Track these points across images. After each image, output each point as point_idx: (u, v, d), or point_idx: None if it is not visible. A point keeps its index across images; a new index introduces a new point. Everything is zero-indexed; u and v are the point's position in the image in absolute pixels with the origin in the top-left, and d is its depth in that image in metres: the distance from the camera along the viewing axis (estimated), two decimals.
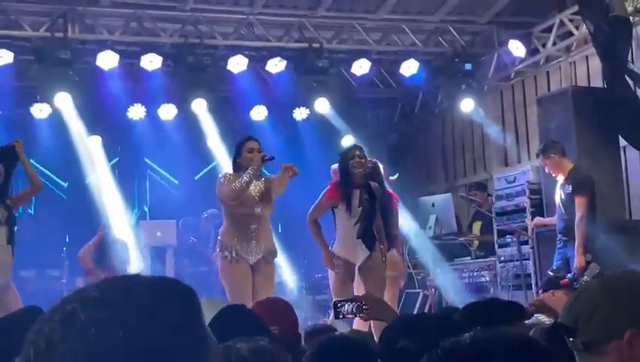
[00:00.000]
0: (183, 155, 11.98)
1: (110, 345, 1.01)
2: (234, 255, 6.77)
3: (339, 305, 3.64)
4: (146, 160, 12.68)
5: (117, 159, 12.29)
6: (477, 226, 10.56)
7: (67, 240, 10.95)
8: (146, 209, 12.67)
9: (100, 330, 1.02)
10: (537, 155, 8.31)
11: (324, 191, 7.10)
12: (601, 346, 1.67)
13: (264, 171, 7.30)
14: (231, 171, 7.03)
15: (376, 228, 7.07)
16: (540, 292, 6.97)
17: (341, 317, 3.67)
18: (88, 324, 1.02)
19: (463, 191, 11.01)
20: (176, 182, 12.73)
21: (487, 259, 9.93)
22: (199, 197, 11.23)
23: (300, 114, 11.63)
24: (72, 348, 1.01)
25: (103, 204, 11.07)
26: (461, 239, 10.32)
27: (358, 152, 7.09)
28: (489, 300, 3.13)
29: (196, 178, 12.74)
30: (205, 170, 12.56)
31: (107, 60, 9.82)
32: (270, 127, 11.49)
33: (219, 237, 7.04)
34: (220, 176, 7.06)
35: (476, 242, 10.32)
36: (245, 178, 6.68)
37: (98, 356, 1.01)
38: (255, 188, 6.85)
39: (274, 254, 7.02)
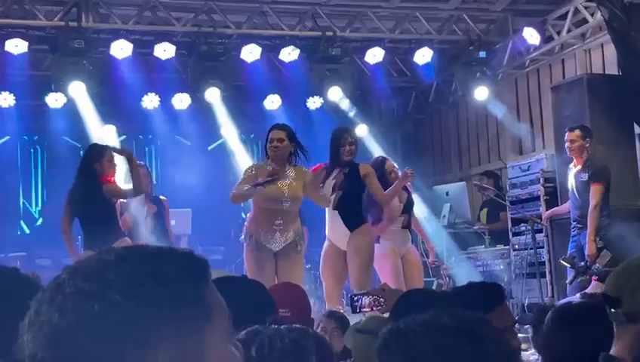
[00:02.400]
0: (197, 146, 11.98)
1: (84, 318, 0.98)
2: (255, 244, 6.74)
3: (355, 298, 3.64)
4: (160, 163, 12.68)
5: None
6: (484, 214, 10.57)
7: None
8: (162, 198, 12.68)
9: (77, 302, 0.99)
10: (572, 129, 8.11)
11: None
12: None
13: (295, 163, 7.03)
14: (259, 162, 6.96)
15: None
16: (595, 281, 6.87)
17: (358, 311, 3.68)
18: (69, 295, 1.00)
19: (477, 180, 10.99)
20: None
21: (502, 248, 9.93)
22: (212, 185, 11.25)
23: (314, 103, 11.63)
24: (50, 318, 0.99)
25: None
26: (475, 227, 10.32)
27: (349, 138, 7.11)
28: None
29: (210, 148, 12.69)
30: (217, 143, 12.52)
31: (121, 49, 9.84)
32: (283, 116, 11.47)
33: (245, 223, 7.05)
34: (247, 167, 7.08)
35: (484, 217, 10.41)
36: (248, 191, 6.61)
37: (72, 328, 0.98)
38: (284, 181, 6.72)
39: (300, 243, 6.95)
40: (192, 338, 1.02)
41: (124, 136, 11.97)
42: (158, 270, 1.03)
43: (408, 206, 7.83)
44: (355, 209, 7.10)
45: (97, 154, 6.94)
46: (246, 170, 6.98)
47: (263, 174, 6.63)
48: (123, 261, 1.04)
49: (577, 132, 8.02)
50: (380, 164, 7.67)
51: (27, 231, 12.24)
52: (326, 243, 7.26)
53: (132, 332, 0.99)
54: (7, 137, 12.00)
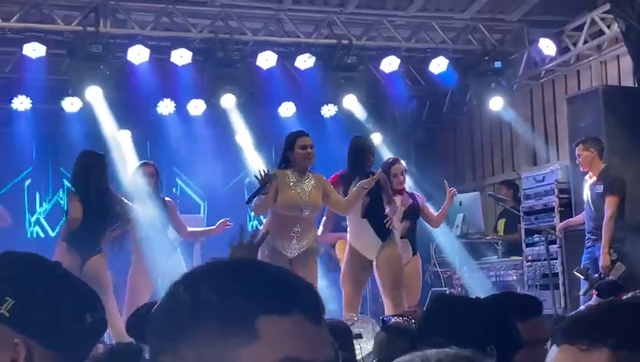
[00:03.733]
0: (211, 153, 11.98)
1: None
2: (271, 250, 6.71)
3: (386, 319, 3.65)
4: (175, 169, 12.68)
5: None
6: (501, 224, 10.53)
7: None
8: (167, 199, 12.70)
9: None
10: (576, 144, 8.20)
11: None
12: None
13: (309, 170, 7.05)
14: (281, 168, 6.84)
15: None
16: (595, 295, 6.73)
17: None
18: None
19: (491, 190, 10.97)
20: (202, 204, 12.73)
21: (515, 258, 9.90)
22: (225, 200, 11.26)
23: (328, 110, 11.64)
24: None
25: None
26: (488, 238, 10.30)
27: (373, 150, 7.18)
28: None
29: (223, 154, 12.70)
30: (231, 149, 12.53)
31: (138, 55, 9.89)
32: (298, 124, 11.44)
33: (261, 229, 7.05)
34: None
35: (502, 228, 10.35)
36: (260, 202, 6.61)
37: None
38: (303, 188, 6.71)
39: (317, 250, 6.93)
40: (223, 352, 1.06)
41: (138, 141, 11.99)
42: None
43: (410, 215, 7.77)
44: (383, 218, 7.09)
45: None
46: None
47: (283, 181, 6.64)
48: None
49: (580, 146, 8.13)
50: (387, 166, 7.64)
51: (42, 235, 12.29)
52: (349, 252, 7.19)
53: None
54: (31, 168, 12.10)
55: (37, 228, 12.31)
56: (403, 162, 7.95)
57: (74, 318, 1.64)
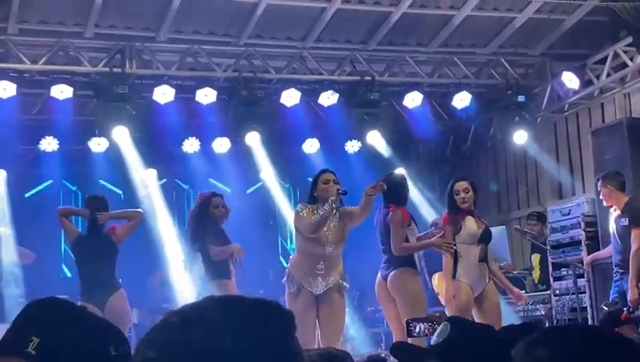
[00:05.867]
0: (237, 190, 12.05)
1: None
2: (296, 288, 6.77)
3: (411, 324, 3.62)
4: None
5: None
6: (536, 259, 10.41)
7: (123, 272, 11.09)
8: None
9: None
10: (597, 180, 8.24)
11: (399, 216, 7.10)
12: None
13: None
14: (307, 203, 6.96)
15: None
16: None
17: (414, 335, 3.65)
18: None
19: (517, 224, 10.90)
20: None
21: (543, 293, 9.82)
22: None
23: (352, 146, 11.68)
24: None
25: (159, 234, 11.19)
26: (515, 272, 10.22)
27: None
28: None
29: (248, 191, 12.75)
30: (255, 187, 12.59)
31: (163, 94, 10.00)
32: (322, 160, 11.53)
33: (288, 265, 7.08)
34: (298, 208, 7.02)
35: (536, 275, 10.17)
36: (326, 208, 6.67)
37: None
38: (329, 225, 6.80)
39: (343, 286, 6.93)
40: None
41: (164, 180, 12.10)
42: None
43: (483, 238, 7.40)
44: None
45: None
46: (302, 208, 6.94)
47: (310, 218, 6.70)
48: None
49: (599, 182, 8.19)
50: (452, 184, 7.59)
51: (69, 275, 12.37)
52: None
53: None
54: (50, 181, 12.18)
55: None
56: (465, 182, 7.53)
57: (96, 353, 1.69)
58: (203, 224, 7.57)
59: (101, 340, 1.72)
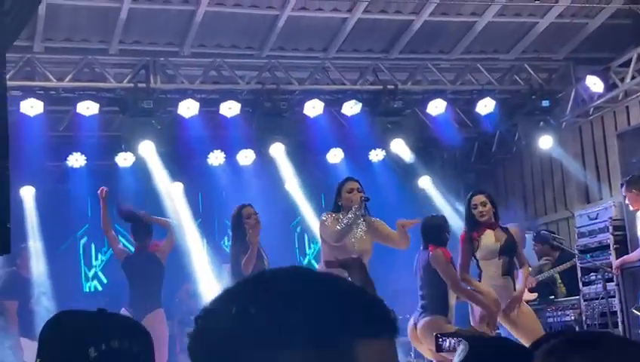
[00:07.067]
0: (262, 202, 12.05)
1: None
2: None
3: (440, 339, 3.63)
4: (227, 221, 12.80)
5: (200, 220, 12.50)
6: (557, 279, 10.25)
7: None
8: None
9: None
10: (621, 185, 8.23)
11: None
12: None
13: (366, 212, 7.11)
14: (332, 212, 6.95)
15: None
16: None
17: (443, 350, 3.66)
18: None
19: (544, 230, 10.85)
20: None
21: (572, 298, 9.75)
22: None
23: (376, 155, 11.69)
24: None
25: (187, 247, 11.24)
26: (541, 277, 10.15)
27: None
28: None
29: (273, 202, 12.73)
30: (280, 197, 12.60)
31: (188, 108, 10.09)
32: (346, 169, 11.53)
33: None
34: (322, 217, 7.00)
35: (562, 290, 10.08)
36: (350, 215, 6.67)
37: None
38: (355, 234, 6.78)
39: None
40: None
41: (190, 193, 12.15)
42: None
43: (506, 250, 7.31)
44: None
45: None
46: (327, 216, 6.93)
47: (335, 225, 6.72)
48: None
49: (623, 188, 8.24)
50: (469, 198, 7.47)
51: (99, 288, 12.48)
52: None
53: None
54: (87, 225, 12.34)
55: (95, 282, 12.50)
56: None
57: (72, 359, 1.77)
58: (237, 236, 7.61)
59: (77, 344, 1.76)
